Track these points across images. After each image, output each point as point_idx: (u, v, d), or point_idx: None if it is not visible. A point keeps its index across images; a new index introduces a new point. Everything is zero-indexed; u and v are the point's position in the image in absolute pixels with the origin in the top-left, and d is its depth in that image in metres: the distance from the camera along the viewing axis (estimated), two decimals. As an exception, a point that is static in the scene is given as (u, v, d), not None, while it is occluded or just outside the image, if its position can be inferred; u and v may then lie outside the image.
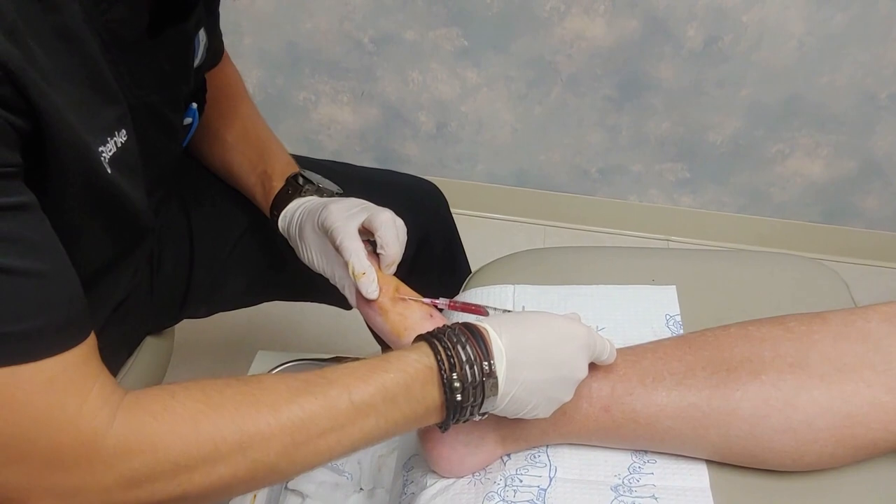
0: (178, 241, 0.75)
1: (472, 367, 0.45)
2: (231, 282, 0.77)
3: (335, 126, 1.56)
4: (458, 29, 1.35)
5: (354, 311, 0.75)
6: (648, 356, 0.54)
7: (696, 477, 0.51)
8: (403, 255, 0.85)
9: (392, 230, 0.58)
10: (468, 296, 0.69)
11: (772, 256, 0.71)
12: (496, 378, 0.46)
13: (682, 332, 0.62)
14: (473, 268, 0.78)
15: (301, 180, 0.67)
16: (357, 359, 0.77)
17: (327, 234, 0.58)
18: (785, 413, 0.49)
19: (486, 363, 0.45)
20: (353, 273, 0.56)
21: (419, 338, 0.48)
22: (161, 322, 0.79)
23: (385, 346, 1.00)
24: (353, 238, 0.57)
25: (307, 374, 0.45)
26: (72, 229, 0.45)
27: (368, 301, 0.55)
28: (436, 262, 0.87)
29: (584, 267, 0.70)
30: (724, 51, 1.29)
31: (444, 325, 0.48)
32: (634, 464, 0.52)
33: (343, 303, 0.89)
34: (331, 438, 0.43)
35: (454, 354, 0.45)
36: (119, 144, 0.47)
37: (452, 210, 0.91)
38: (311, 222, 0.62)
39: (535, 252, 0.73)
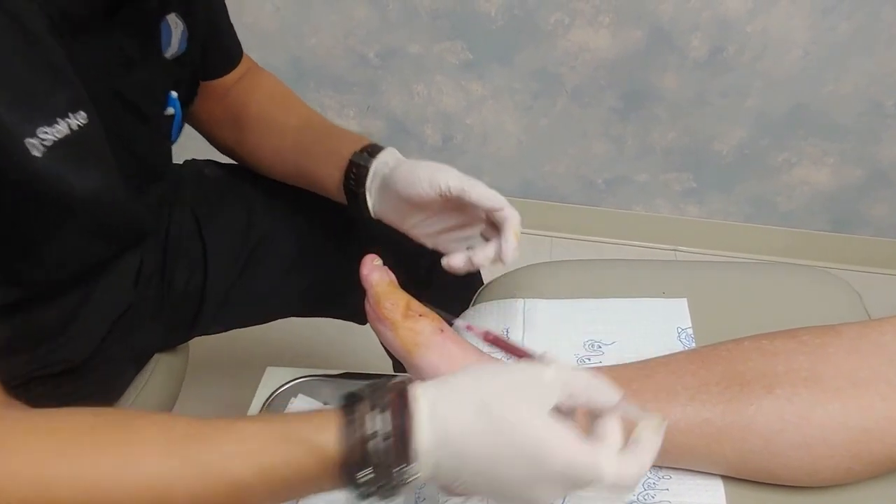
0: (190, 256, 0.75)
1: (385, 468, 0.37)
2: (244, 299, 0.77)
3: (341, 140, 1.56)
4: (462, 42, 1.36)
5: (366, 325, 0.75)
6: (661, 371, 0.53)
7: (712, 493, 0.51)
8: (419, 271, 0.85)
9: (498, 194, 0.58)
10: (477, 311, 0.69)
11: (783, 267, 0.70)
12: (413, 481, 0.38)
13: (693, 345, 0.61)
14: (483, 280, 0.78)
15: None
16: (367, 374, 0.78)
17: (455, 193, 0.57)
18: (800, 428, 0.48)
19: (401, 468, 0.38)
20: (513, 231, 0.57)
21: (336, 411, 0.40)
22: (172, 339, 0.78)
23: (396, 361, 1.00)
24: (480, 185, 0.57)
25: (197, 427, 0.39)
26: (16, 226, 0.44)
27: (379, 317, 0.55)
28: (451, 277, 0.87)
29: (594, 280, 0.69)
30: (729, 61, 1.29)
31: (372, 395, 0.39)
32: (649, 479, 0.52)
33: (356, 318, 0.88)
34: None
35: (368, 455, 0.37)
36: (75, 127, 0.46)
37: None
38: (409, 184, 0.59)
39: (545, 266, 0.73)
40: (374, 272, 0.58)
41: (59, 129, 0.45)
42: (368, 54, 1.40)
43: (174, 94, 0.61)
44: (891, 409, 0.48)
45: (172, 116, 0.62)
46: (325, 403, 0.76)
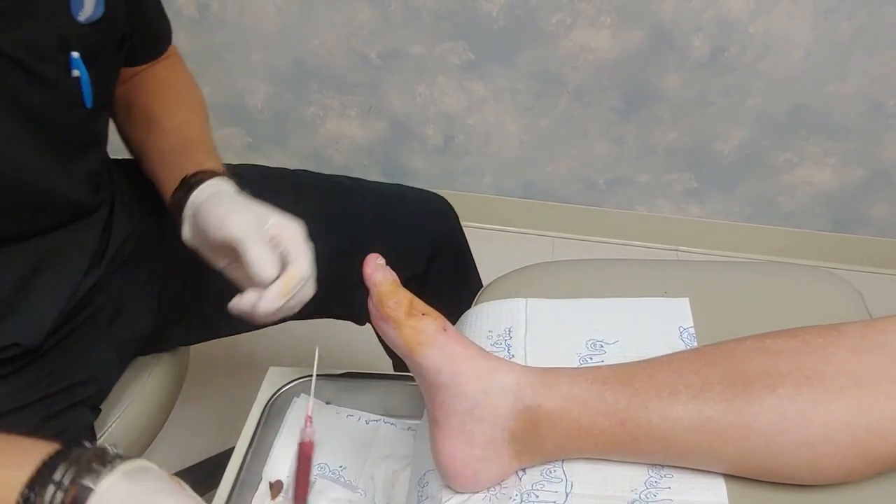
0: (186, 255, 0.75)
1: None
2: None
3: (343, 141, 1.57)
4: (464, 43, 1.36)
5: (366, 326, 0.75)
6: (663, 369, 0.53)
7: (714, 491, 0.51)
8: (416, 270, 0.85)
9: (301, 243, 0.56)
10: (480, 310, 0.69)
11: (785, 267, 0.70)
12: None
13: (695, 344, 0.61)
14: (483, 281, 0.78)
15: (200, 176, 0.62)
16: (369, 374, 0.78)
17: (234, 245, 0.55)
18: (802, 427, 0.48)
19: None
20: (283, 283, 0.54)
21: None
22: (170, 338, 0.79)
23: (397, 361, 1.01)
24: (259, 246, 0.54)
25: None
26: None
27: (382, 315, 0.55)
28: (447, 277, 0.87)
29: (596, 280, 0.69)
30: (731, 61, 1.29)
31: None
32: (651, 478, 0.52)
33: (356, 318, 0.89)
34: None
35: None
36: None
37: (460, 222, 0.91)
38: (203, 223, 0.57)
39: (547, 265, 0.73)
40: (378, 271, 0.58)
41: None
42: (370, 55, 1.41)
43: (75, 54, 0.58)
44: (894, 408, 0.48)
45: (79, 79, 0.59)
46: (328, 402, 0.77)
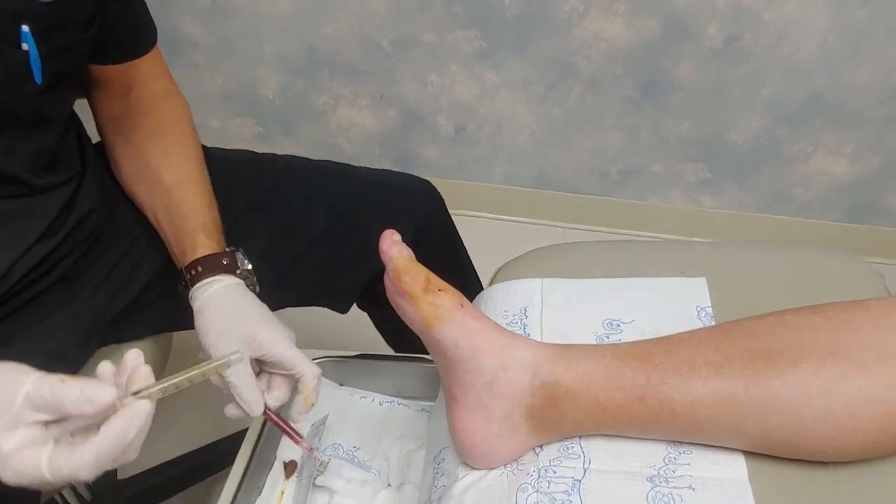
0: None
1: None
2: None
3: (354, 129, 1.56)
4: (476, 31, 1.35)
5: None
6: (683, 346, 0.53)
7: (734, 468, 0.50)
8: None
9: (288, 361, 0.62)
10: (496, 290, 0.68)
11: (802, 248, 0.70)
12: None
13: (713, 323, 0.61)
14: (492, 270, 0.77)
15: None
16: (381, 356, 0.78)
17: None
18: (826, 401, 0.48)
19: None
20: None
21: None
22: (144, 323, 0.78)
23: (396, 343, 1.00)
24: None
25: None
26: None
27: (399, 291, 0.55)
28: (434, 262, 0.86)
29: (612, 260, 0.69)
30: (745, 49, 1.28)
31: None
32: (670, 454, 0.52)
33: (339, 306, 0.89)
34: None
35: None
36: None
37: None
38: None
39: (563, 246, 0.73)
40: (394, 247, 0.58)
41: None
42: (382, 43, 1.40)
43: (25, 28, 0.58)
44: (919, 384, 0.47)
45: (27, 53, 0.59)
46: (341, 384, 0.77)
